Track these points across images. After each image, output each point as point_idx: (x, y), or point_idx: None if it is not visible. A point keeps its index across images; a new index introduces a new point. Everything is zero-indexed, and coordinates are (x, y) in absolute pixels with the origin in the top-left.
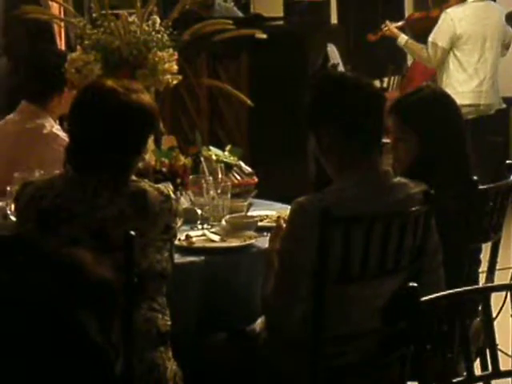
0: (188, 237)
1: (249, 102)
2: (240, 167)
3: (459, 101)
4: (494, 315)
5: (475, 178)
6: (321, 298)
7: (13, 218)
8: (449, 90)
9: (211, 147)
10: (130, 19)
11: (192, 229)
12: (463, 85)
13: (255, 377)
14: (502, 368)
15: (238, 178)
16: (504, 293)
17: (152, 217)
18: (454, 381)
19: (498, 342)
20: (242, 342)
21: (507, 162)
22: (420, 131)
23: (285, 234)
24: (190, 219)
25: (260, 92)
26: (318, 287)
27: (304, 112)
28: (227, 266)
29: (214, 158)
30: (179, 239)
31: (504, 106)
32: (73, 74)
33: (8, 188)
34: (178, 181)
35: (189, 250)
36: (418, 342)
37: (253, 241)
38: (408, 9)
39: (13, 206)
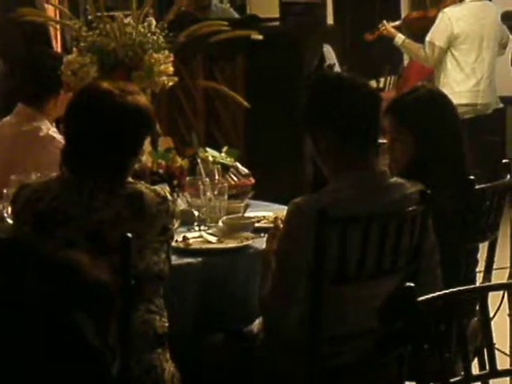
0: (185, 238)
1: (245, 103)
2: (237, 168)
3: (456, 100)
4: (492, 315)
5: (472, 177)
6: (317, 299)
7: (9, 221)
8: (446, 90)
9: (208, 149)
10: (126, 21)
11: (189, 230)
12: (460, 84)
13: (253, 378)
14: (500, 367)
15: (235, 179)
16: (501, 292)
17: (149, 218)
18: (452, 380)
19: (495, 341)
20: (239, 343)
21: (504, 161)
22: (416, 131)
23: (281, 235)
24: (187, 221)
25: (256, 93)
26: (315, 288)
27: (300, 113)
28: (224, 267)
29: (210, 159)
30: (176, 241)
31: (501, 105)
32: (69, 76)
33: (5, 190)
34: (175, 182)
35: (186, 251)
36: (415, 341)
37: (250, 242)
38: (404, 8)
39: (9, 209)
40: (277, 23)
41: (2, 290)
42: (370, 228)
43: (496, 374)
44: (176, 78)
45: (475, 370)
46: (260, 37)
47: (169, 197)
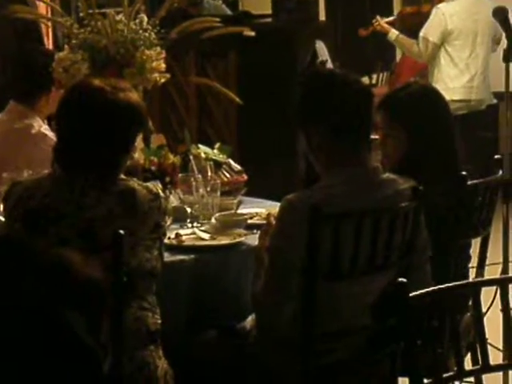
0: (178, 235)
1: (237, 99)
2: (229, 165)
3: (450, 96)
4: (484, 310)
5: (464, 173)
6: (310, 295)
7: (1, 218)
8: (440, 86)
9: (200, 145)
10: (117, 18)
11: (182, 227)
12: (454, 80)
13: (246, 374)
14: (493, 362)
15: (228, 175)
16: (494, 287)
17: (141, 215)
18: (445, 376)
19: (488, 336)
20: (232, 340)
21: (496, 156)
22: (408, 127)
23: (274, 232)
24: (180, 217)
25: (249, 89)
26: (308, 284)
27: (293, 110)
28: (217, 264)
29: (203, 156)
30: (169, 237)
31: (495, 101)
32: (60, 73)
33: None
34: (167, 179)
35: (178, 248)
36: (407, 337)
37: (242, 238)
38: (396, 4)
39: (1, 206)
40: (269, 19)
41: None
42: (362, 224)
43: (489, 368)
44: (168, 75)
45: (468, 365)
46: (252, 33)
47: (161, 194)
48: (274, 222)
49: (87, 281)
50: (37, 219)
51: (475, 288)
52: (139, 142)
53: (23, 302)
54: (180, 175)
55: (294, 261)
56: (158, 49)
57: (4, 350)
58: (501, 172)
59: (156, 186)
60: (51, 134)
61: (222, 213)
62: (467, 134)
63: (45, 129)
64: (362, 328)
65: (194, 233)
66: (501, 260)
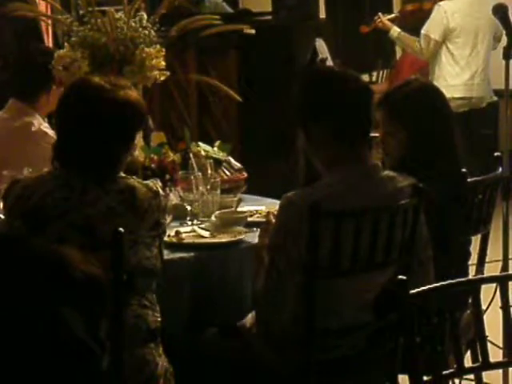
0: (178, 233)
1: (238, 97)
2: (229, 163)
3: (451, 94)
4: (484, 307)
5: (464, 170)
6: (311, 293)
7: (1, 216)
8: (441, 83)
9: (200, 143)
10: (117, 16)
11: (181, 225)
12: (455, 78)
13: (246, 372)
14: (493, 359)
15: (228, 173)
16: (494, 285)
17: (141, 213)
18: (444, 373)
19: (488, 333)
20: (232, 337)
21: (495, 154)
22: (408, 125)
23: (274, 229)
24: (180, 215)
25: (249, 87)
26: (308, 282)
27: (292, 108)
28: (217, 262)
29: (203, 153)
30: (169, 235)
31: (495, 98)
32: (60, 71)
33: None
34: (167, 177)
35: (178, 246)
36: (407, 334)
37: (242, 236)
38: (396, 2)
39: (1, 204)
40: (269, 17)
41: None
42: (362, 221)
43: (489, 366)
44: (168, 73)
45: (468, 362)
46: (252, 31)
47: (161, 192)
48: (273, 220)
49: (87, 278)
50: (37, 217)
51: (475, 285)
52: (139, 139)
53: (22, 300)
54: (180, 173)
55: (294, 258)
56: (158, 46)
57: (2, 347)
58: (500, 169)
59: (156, 184)
60: (51, 132)
61: (222, 211)
62: (467, 132)
63: (45, 127)
64: (362, 325)
65: (193, 230)
66: (501, 257)
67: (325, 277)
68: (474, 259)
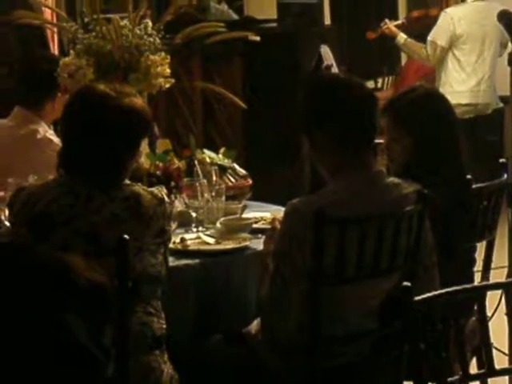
0: (183, 240)
1: (242, 104)
2: (234, 169)
3: (457, 100)
4: (490, 314)
5: (469, 176)
6: (316, 300)
7: (7, 224)
8: (447, 89)
9: (205, 150)
10: (122, 23)
11: (187, 232)
12: (461, 84)
13: (251, 379)
14: (499, 366)
15: (233, 180)
16: (499, 291)
17: (146, 220)
18: (450, 380)
19: (493, 340)
20: (237, 344)
21: (501, 160)
22: (413, 131)
23: (279, 236)
24: (185, 222)
25: (254, 94)
26: (313, 289)
27: (297, 114)
28: (222, 269)
29: (208, 160)
30: (174, 242)
31: (501, 105)
32: (65, 78)
33: (2, 193)
34: (173, 184)
35: (184, 252)
36: (412, 341)
37: (247, 243)
38: (402, 9)
39: (6, 212)
40: (274, 24)
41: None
42: (367, 228)
43: (494, 372)
44: (173, 80)
45: (473, 369)
46: (257, 38)
47: (166, 199)
48: (278, 227)
49: (92, 285)
50: (42, 224)
51: (480, 292)
52: (144, 146)
53: (27, 306)
54: (185, 180)
55: (299, 265)
56: (163, 54)
57: (6, 353)
58: (506, 175)
59: (161, 191)
60: (56, 140)
61: (227, 217)
62: (473, 138)
63: (50, 134)
64: (367, 332)
65: (199, 237)
66: (506, 264)
67: (330, 284)
68: (479, 266)
